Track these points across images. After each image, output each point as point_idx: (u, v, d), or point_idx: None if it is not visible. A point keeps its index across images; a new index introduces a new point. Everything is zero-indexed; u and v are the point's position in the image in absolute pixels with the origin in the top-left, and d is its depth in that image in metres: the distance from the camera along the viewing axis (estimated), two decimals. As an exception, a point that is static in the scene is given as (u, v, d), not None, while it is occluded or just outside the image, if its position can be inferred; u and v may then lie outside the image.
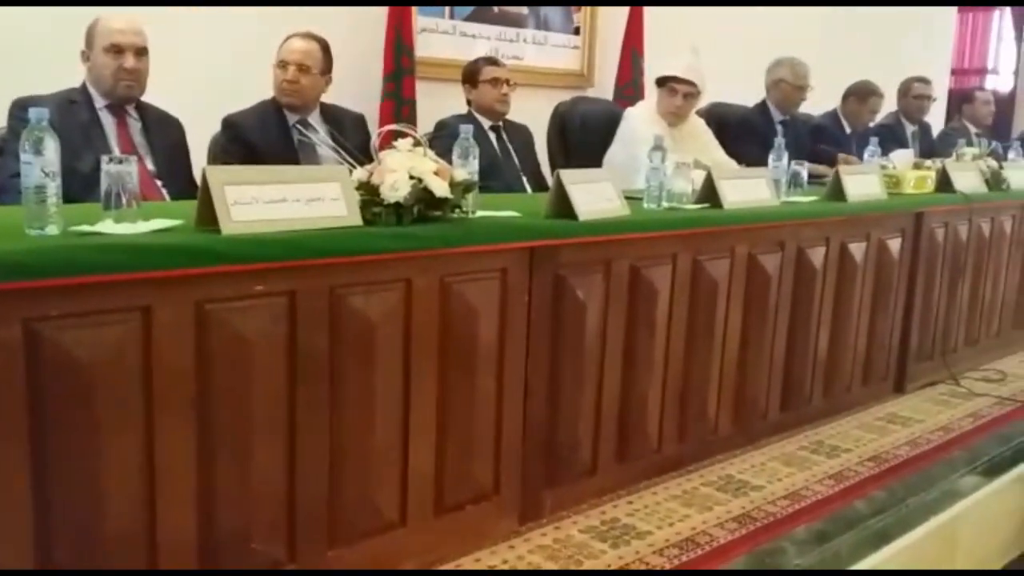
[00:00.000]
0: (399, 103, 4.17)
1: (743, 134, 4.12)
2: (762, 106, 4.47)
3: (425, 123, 3.50)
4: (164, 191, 2.71)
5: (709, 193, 2.62)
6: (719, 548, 2.14)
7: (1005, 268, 3.88)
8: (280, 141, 2.97)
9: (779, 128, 4.25)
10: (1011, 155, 4.14)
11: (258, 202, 1.68)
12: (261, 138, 2.94)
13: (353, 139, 2.84)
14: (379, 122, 3.97)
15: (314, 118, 3.06)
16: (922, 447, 2.87)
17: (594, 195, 2.25)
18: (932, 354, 3.51)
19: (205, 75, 3.31)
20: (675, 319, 2.47)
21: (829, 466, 2.68)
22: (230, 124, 2.98)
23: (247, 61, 3.24)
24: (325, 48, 3.06)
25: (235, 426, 1.67)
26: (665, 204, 2.54)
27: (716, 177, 2.61)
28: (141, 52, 2.66)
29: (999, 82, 10.25)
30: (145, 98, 2.78)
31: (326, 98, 3.14)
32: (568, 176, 2.21)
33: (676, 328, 2.48)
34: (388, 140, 1.99)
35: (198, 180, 1.92)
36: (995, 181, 3.71)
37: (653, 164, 2.52)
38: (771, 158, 2.97)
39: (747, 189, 2.70)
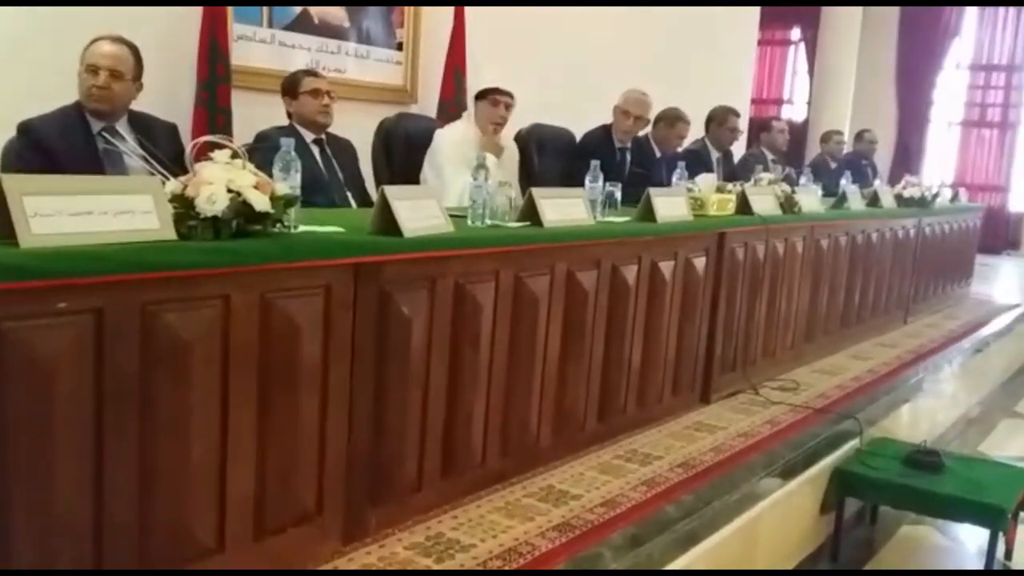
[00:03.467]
0: (213, 112, 4.03)
1: (583, 155, 4.30)
2: (604, 130, 4.68)
3: (241, 134, 3.40)
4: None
5: (529, 212, 2.70)
6: (540, 557, 2.20)
7: (797, 285, 4.22)
8: (83, 149, 2.79)
9: (619, 153, 4.47)
10: (803, 180, 4.52)
11: (62, 214, 1.58)
12: (61, 145, 2.75)
13: (164, 149, 2.73)
14: (192, 131, 3.82)
15: (122, 126, 2.89)
16: (726, 453, 3.05)
17: (419, 211, 2.27)
18: (734, 365, 3.76)
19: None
20: (498, 335, 2.52)
21: (642, 473, 2.81)
22: (26, 129, 2.77)
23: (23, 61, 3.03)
24: (136, 53, 2.91)
25: (33, 453, 1.55)
26: (488, 222, 2.59)
27: (536, 196, 2.69)
28: None
29: (793, 112, 11.17)
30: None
31: (135, 105, 2.98)
32: (393, 192, 2.22)
33: (499, 343, 2.53)
34: (204, 151, 1.92)
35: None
36: (788, 204, 4.03)
37: (477, 182, 2.56)
38: (587, 179, 3.09)
39: (565, 208, 2.80)
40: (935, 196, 5.87)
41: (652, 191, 3.21)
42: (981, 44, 11.12)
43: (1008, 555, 3.21)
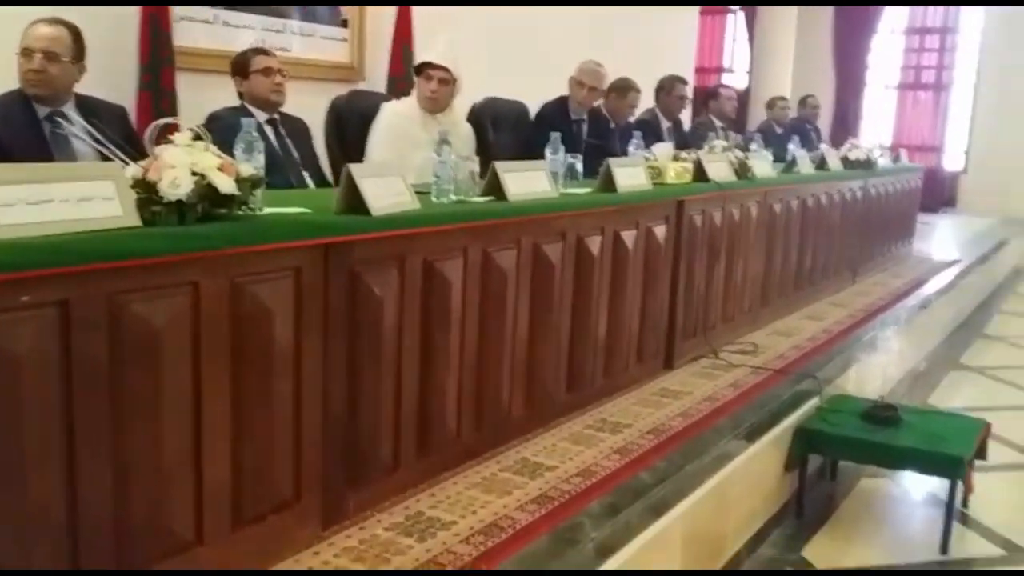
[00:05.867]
0: (158, 95, 3.92)
1: (540, 127, 4.29)
2: (561, 101, 4.66)
3: (189, 117, 3.30)
4: None
5: (493, 186, 2.68)
6: (522, 530, 2.21)
7: (753, 250, 4.27)
8: (29, 135, 2.69)
9: (575, 125, 4.47)
10: (753, 146, 4.56)
11: (20, 204, 1.51)
12: (6, 132, 2.64)
13: (114, 132, 2.63)
14: (137, 116, 3.71)
15: (69, 109, 2.79)
16: (693, 417, 3.09)
17: (385, 189, 2.24)
18: (695, 331, 3.80)
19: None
20: (468, 310, 2.51)
21: (614, 441, 2.83)
22: (-33, 118, 2.66)
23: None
24: (76, 34, 2.81)
25: (2, 451, 1.50)
26: (453, 198, 2.57)
27: (499, 170, 2.67)
28: None
29: (734, 80, 11.27)
30: None
31: (81, 89, 2.88)
32: (358, 170, 2.18)
33: (469, 319, 2.52)
34: (164, 135, 1.87)
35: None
36: (742, 171, 4.07)
37: (441, 158, 2.54)
38: (548, 151, 3.08)
39: (528, 182, 2.79)
40: (878, 158, 5.99)
41: (611, 161, 3.21)
42: (915, 8, 11.34)
43: (965, 503, 3.32)
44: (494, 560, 2.07)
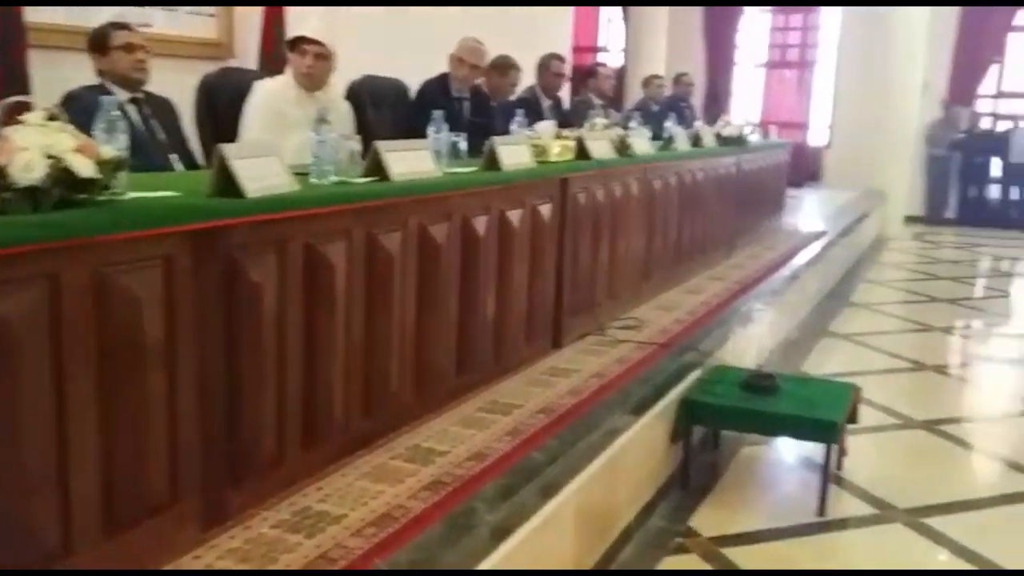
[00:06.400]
0: (9, 74, 3.63)
1: (422, 105, 4.21)
2: (442, 79, 4.57)
3: (43, 96, 3.07)
4: None
5: (375, 166, 2.59)
6: (415, 519, 2.16)
7: (634, 227, 4.33)
8: None
9: (457, 103, 4.40)
10: (632, 124, 4.62)
11: None
12: None
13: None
14: (-15, 94, 3.42)
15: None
16: (582, 395, 3.11)
17: (260, 171, 2.12)
18: (582, 309, 3.82)
19: None
20: (353, 296, 2.42)
21: (505, 423, 2.81)
22: None
23: None
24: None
25: None
26: (333, 178, 2.47)
27: (381, 149, 2.59)
28: None
29: (611, 59, 11.43)
30: None
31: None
32: (230, 150, 2.06)
33: (355, 305, 2.44)
34: (12, 115, 1.71)
35: None
36: (623, 148, 4.11)
37: (320, 137, 2.43)
38: (431, 130, 3.01)
39: (412, 161, 2.72)
40: (749, 134, 6.19)
41: (495, 140, 3.17)
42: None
43: (839, 465, 3.48)
44: (387, 551, 2.01)
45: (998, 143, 10.89)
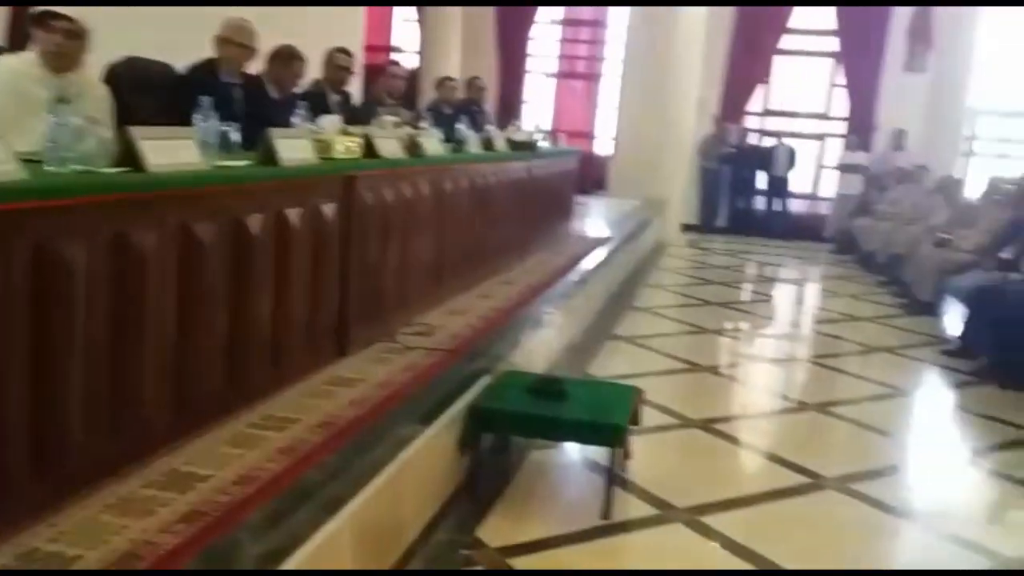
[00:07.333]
0: None
1: (187, 91, 3.82)
2: (210, 63, 4.19)
3: None
4: None
5: (128, 156, 2.30)
6: (165, 556, 1.91)
7: (425, 230, 4.21)
8: None
9: (227, 88, 4.04)
10: (423, 124, 4.50)
11: None
12: None
13: None
14: None
15: None
16: (366, 406, 2.95)
17: (-25, 156, 1.80)
18: (370, 315, 3.65)
19: None
20: (97, 302, 2.12)
21: (280, 440, 2.59)
22: None
23: None
24: None
25: None
26: (76, 167, 2.15)
27: (135, 136, 2.30)
28: None
29: (406, 60, 11.30)
30: None
31: None
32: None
33: (99, 313, 2.13)
34: None
35: None
36: (413, 148, 3.98)
37: (58, 119, 2.11)
38: (197, 118, 2.73)
39: (173, 151, 2.44)
40: (540, 140, 6.25)
41: (273, 131, 2.94)
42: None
43: (624, 468, 3.51)
44: (130, 596, 1.76)
45: (764, 158, 11.81)
